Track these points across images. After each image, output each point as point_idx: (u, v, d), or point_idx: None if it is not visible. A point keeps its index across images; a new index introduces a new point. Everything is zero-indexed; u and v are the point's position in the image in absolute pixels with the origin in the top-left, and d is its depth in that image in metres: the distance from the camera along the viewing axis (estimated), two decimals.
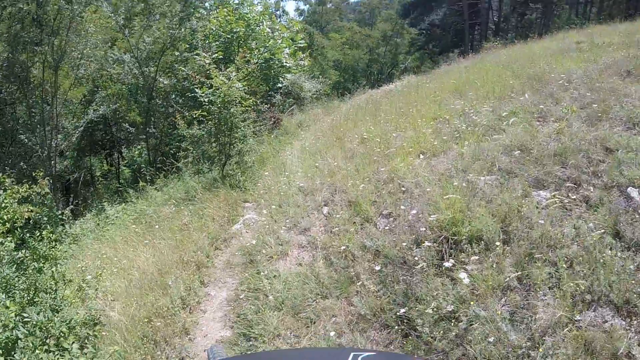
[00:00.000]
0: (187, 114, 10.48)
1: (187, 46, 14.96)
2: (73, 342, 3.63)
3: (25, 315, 3.43)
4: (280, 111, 17.59)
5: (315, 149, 10.57)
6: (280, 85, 16.04)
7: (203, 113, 9.60)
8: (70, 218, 12.33)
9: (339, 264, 5.51)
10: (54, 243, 5.36)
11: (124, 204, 11.80)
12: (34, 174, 10.80)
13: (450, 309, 4.07)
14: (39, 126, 12.89)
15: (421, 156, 7.51)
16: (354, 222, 6.28)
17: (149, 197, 11.34)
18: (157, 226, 8.48)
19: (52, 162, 12.72)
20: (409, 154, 7.60)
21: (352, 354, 0.92)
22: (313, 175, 8.58)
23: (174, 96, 14.81)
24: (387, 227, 5.88)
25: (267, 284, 5.46)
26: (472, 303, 3.96)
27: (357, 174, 7.55)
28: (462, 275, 4.29)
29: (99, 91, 15.63)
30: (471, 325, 3.84)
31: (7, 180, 6.18)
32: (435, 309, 4.12)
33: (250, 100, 9.86)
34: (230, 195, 8.95)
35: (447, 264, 4.47)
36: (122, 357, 4.55)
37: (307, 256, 6.19)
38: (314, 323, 4.78)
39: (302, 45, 16.19)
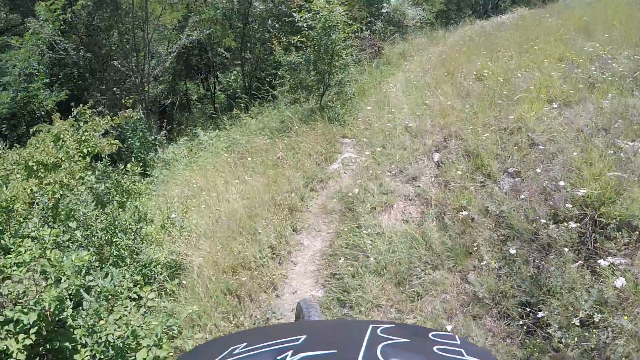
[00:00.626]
0: (284, 39, 9.56)
1: None
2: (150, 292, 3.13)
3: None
4: (382, 39, 16.25)
5: (422, 82, 9.45)
6: (383, 11, 14.51)
7: (302, 39, 8.70)
8: (165, 142, 12.26)
9: (453, 229, 4.67)
10: (138, 177, 5.08)
11: (217, 131, 11.46)
12: (123, 101, 10.72)
13: (589, 312, 3.17)
14: (132, 52, 12.57)
15: (553, 104, 6.29)
16: (473, 178, 5.34)
17: (243, 125, 10.89)
18: (249, 158, 7.96)
19: (146, 87, 12.48)
20: (537, 99, 6.37)
21: (371, 326, 0.89)
22: (422, 114, 7.58)
23: (270, 21, 13.86)
24: (513, 189, 4.92)
25: (368, 242, 4.76)
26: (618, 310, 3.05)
27: (476, 118, 6.48)
28: (611, 272, 3.35)
29: (192, 16, 15.01)
30: (614, 340, 2.98)
31: (87, 111, 5.73)
32: (570, 308, 3.23)
33: (354, 27, 8.79)
34: (328, 129, 8.22)
35: (603, 263, 3.46)
36: (199, 317, 4.09)
37: (415, 212, 5.39)
38: (421, 298, 4.07)
39: None
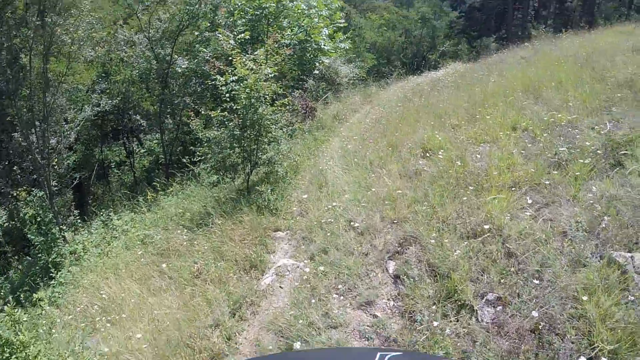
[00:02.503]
0: (202, 111, 8.00)
1: (209, 24, 12.37)
2: None
3: None
4: (314, 98, 15.13)
5: (361, 155, 8.13)
6: (317, 71, 13.36)
7: (223, 113, 7.21)
8: (78, 225, 10.22)
9: None
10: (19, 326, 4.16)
11: (133, 214, 9.63)
12: (15, 193, 8.84)
13: None
14: (32, 122, 10.43)
15: (520, 190, 5.15)
16: (441, 304, 3.95)
17: (160, 208, 9.13)
18: (164, 265, 6.27)
19: (50, 164, 10.23)
20: (502, 187, 5.21)
21: (379, 354, 0.87)
22: (367, 202, 6.17)
23: (194, 81, 12.28)
24: (495, 323, 3.65)
25: None
26: None
27: (433, 213, 5.14)
28: None
29: (109, 77, 13.28)
30: None
31: None
32: None
33: (286, 100, 7.43)
34: (257, 222, 6.65)
35: None
36: None
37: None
38: None
39: (341, 25, 13.43)
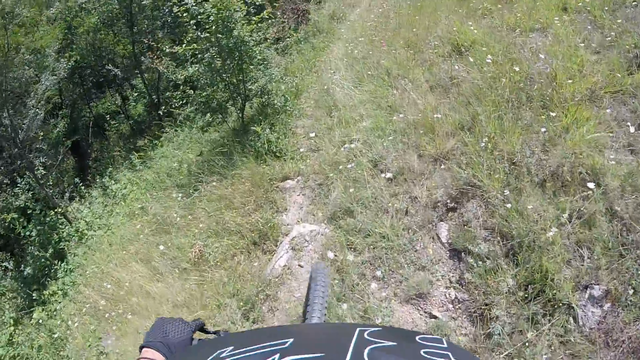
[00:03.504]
0: (167, 47, 6.20)
1: None
2: None
3: None
4: None
5: (373, 60, 6.43)
6: None
7: (189, 47, 5.53)
8: (83, 193, 9.01)
9: None
10: None
11: (130, 174, 8.46)
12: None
13: None
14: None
15: (601, 103, 3.63)
16: (526, 297, 2.66)
17: (154, 164, 7.83)
18: (161, 247, 5.08)
19: (25, 152, 8.48)
20: (581, 101, 3.68)
21: (358, 329, 0.85)
22: (395, 132, 4.66)
23: (164, 10, 10.18)
24: (601, 329, 2.46)
25: None
26: None
27: (493, 146, 3.66)
28: None
29: (72, 31, 11.35)
30: None
31: None
32: None
33: (265, 13, 5.62)
34: (259, 174, 5.26)
35: None
36: None
37: None
38: None
39: None
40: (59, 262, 7.00)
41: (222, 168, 5.77)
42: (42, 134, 10.96)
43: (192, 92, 6.18)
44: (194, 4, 5.29)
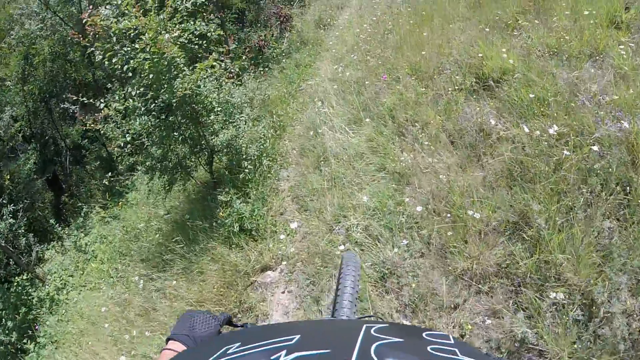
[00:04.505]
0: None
1: None
2: None
3: None
4: (288, 1, 11.40)
5: (370, 92, 5.00)
6: None
7: (125, 104, 4.12)
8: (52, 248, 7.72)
9: None
10: None
11: (98, 227, 7.14)
12: None
13: None
14: None
15: None
16: None
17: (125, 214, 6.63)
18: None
19: None
20: None
21: (365, 326, 0.82)
22: (407, 219, 3.25)
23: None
24: None
25: None
26: None
27: (552, 269, 2.26)
28: None
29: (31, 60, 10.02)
30: None
31: None
32: None
33: (211, 60, 4.11)
34: (230, 264, 3.91)
35: None
36: None
37: None
38: None
39: None
40: (29, 341, 5.66)
41: (186, 253, 4.37)
42: (8, 176, 9.77)
43: (145, 145, 4.74)
44: (125, 49, 3.84)
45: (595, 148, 2.86)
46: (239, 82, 5.21)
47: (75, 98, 4.62)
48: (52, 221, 8.31)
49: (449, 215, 2.94)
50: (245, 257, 3.99)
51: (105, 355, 4.29)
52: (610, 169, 2.69)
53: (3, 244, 6.82)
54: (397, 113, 4.20)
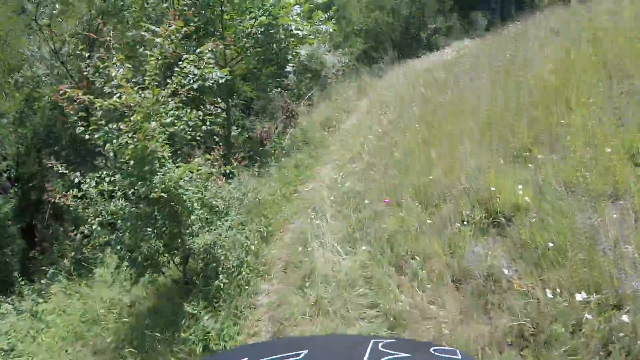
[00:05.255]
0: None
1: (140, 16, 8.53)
2: None
3: None
4: (296, 97, 11.47)
5: (371, 210, 4.61)
6: (290, 66, 9.44)
7: (99, 187, 3.74)
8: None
9: None
10: None
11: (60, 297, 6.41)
12: None
13: None
14: None
15: None
16: None
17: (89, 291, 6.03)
18: None
19: None
20: None
21: (372, 341, 0.84)
22: None
23: None
24: None
25: None
26: None
27: None
28: None
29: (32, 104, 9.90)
30: None
31: None
32: None
33: (200, 159, 3.83)
34: None
35: None
36: None
37: None
38: None
39: (320, 1, 9.41)
40: None
41: None
42: None
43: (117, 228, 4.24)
44: (110, 126, 3.50)
45: (625, 319, 2.43)
46: (228, 182, 4.80)
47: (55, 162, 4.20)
48: (16, 274, 7.57)
49: None
50: None
51: None
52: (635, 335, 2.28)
53: None
54: (396, 242, 3.76)
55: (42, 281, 7.17)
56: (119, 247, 4.11)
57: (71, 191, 3.87)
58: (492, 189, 3.55)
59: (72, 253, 5.28)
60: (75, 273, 7.04)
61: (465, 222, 3.60)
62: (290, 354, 0.78)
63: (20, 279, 7.17)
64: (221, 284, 3.84)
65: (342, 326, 3.31)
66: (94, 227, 3.86)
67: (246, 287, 4.21)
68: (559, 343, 2.50)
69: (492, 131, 4.74)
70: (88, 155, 9.51)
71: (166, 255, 4.31)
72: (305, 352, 0.78)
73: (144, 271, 4.25)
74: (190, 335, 3.55)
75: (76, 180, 3.89)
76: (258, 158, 7.77)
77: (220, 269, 3.87)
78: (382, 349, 0.80)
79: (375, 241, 3.96)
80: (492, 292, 2.98)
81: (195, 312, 3.70)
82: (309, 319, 3.56)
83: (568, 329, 2.54)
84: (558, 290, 2.71)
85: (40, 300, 6.65)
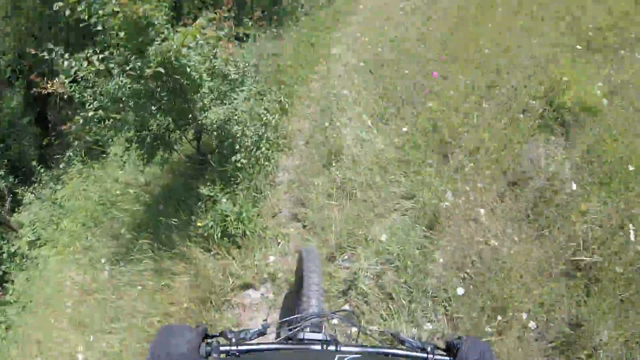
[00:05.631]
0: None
1: None
2: None
3: None
4: None
5: (407, 82, 4.09)
6: None
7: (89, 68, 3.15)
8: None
9: None
10: None
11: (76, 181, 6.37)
12: None
13: None
14: None
15: None
16: None
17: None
18: None
19: None
20: None
21: (337, 357, 0.92)
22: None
23: None
24: None
25: None
26: None
27: None
28: None
29: None
30: None
31: None
32: None
33: (205, 19, 3.13)
34: (205, 277, 3.13)
35: None
36: None
37: None
38: None
39: None
40: None
41: (158, 250, 3.56)
42: None
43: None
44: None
45: None
46: (242, 47, 4.16)
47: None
48: (34, 163, 7.44)
49: (499, 317, 2.16)
50: (224, 269, 3.20)
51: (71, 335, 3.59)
52: None
53: None
54: (441, 124, 3.32)
55: (61, 165, 7.08)
56: (125, 128, 3.67)
57: (59, 77, 3.31)
58: (565, 79, 3.02)
59: (83, 138, 4.84)
60: (87, 158, 6.70)
61: (525, 112, 3.14)
62: None
63: (39, 167, 7.04)
64: (238, 163, 3.48)
65: (371, 215, 3.04)
66: (89, 114, 3.38)
67: (266, 163, 3.88)
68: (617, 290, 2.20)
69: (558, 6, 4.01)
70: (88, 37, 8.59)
71: (177, 131, 3.90)
72: None
73: (154, 151, 3.88)
74: (208, 220, 3.30)
75: (65, 64, 3.30)
76: (275, 17, 6.90)
77: (236, 146, 3.47)
78: None
79: (415, 120, 3.53)
80: (548, 204, 2.65)
81: (212, 194, 3.42)
82: (335, 203, 3.29)
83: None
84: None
85: (59, 187, 6.68)
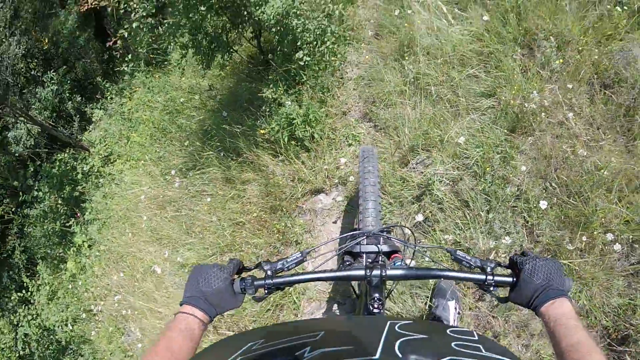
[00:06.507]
0: None
1: None
2: None
3: None
4: None
5: None
6: None
7: None
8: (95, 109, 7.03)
9: None
10: None
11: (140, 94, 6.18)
12: None
13: None
14: None
15: None
16: None
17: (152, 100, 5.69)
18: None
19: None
20: None
21: (389, 322, 0.82)
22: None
23: None
24: None
25: None
26: None
27: None
28: None
29: None
30: None
31: None
32: None
33: None
34: (274, 185, 3.18)
35: None
36: None
37: None
38: None
39: None
40: (74, 222, 5.40)
41: (225, 158, 3.59)
42: (46, 39, 8.68)
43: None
44: None
45: None
46: None
47: None
48: (99, 79, 7.43)
49: (584, 237, 1.97)
50: (293, 174, 3.20)
51: (150, 247, 3.91)
52: None
53: (42, 119, 6.27)
54: (525, 12, 2.86)
55: (125, 77, 6.89)
56: (179, 33, 3.50)
57: None
58: None
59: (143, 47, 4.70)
60: (149, 67, 6.51)
61: (620, 3, 2.60)
62: (307, 335, 0.75)
63: (104, 82, 6.99)
64: (301, 61, 3.26)
65: (447, 114, 2.81)
66: (134, 25, 3.21)
67: (332, 59, 3.64)
68: None
69: None
70: None
71: (234, 32, 3.68)
72: (321, 333, 0.76)
73: (212, 54, 3.70)
74: (273, 124, 3.21)
75: None
76: None
77: (298, 42, 3.23)
78: (399, 330, 0.77)
79: (497, 7, 3.08)
80: None
81: (276, 96, 3.29)
82: (408, 101, 3.07)
83: None
84: None
85: (125, 99, 6.52)
